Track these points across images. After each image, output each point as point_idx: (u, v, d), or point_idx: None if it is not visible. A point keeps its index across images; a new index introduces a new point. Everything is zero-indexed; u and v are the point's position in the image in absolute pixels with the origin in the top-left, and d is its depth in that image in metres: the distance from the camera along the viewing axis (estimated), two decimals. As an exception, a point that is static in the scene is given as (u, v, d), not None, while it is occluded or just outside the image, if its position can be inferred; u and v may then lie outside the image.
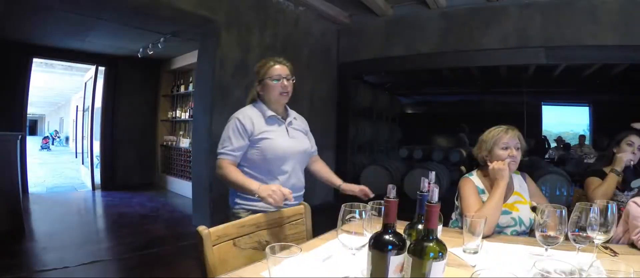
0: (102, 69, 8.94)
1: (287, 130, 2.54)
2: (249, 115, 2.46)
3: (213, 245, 1.76)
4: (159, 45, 7.34)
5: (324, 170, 2.83)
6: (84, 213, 7.29)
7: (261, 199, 2.13)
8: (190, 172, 7.82)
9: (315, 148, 2.80)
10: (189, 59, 8.45)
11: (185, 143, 8.80)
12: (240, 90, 5.40)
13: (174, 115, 9.49)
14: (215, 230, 1.79)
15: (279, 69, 2.51)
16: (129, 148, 9.36)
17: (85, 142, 9.94)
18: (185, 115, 9.02)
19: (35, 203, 7.39)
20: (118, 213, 6.82)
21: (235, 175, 2.34)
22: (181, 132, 9.31)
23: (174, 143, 9.24)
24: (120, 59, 8.86)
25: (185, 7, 4.79)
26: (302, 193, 2.65)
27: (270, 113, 2.49)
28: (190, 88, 8.76)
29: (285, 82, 2.51)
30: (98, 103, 9.12)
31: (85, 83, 9.90)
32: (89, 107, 9.42)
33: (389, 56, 6.74)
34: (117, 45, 8.01)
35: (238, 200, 2.47)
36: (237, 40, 5.35)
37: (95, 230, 6.16)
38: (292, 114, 2.68)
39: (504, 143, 2.46)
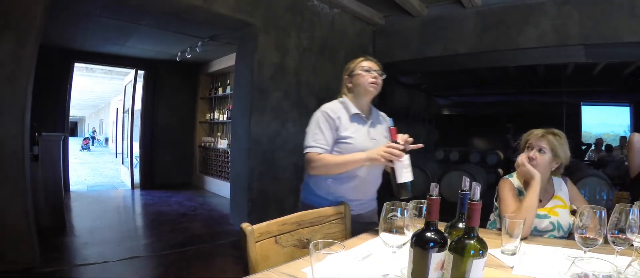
0: (141, 72, 9.19)
1: (369, 132, 2.53)
2: (335, 109, 2.49)
3: (256, 242, 1.79)
4: (197, 49, 7.48)
5: None
6: (124, 210, 7.49)
7: (377, 160, 2.21)
8: (228, 172, 7.94)
9: None
10: (227, 61, 8.58)
11: (222, 144, 8.95)
12: (279, 92, 5.47)
13: (212, 117, 9.67)
14: (258, 227, 1.82)
15: (370, 63, 2.56)
16: (168, 149, 9.58)
17: (125, 142, 10.21)
18: (223, 117, 9.19)
19: (76, 200, 7.66)
20: (157, 212, 6.98)
21: (334, 158, 2.37)
22: (219, 134, 9.45)
23: (212, 144, 9.41)
24: (159, 63, 9.09)
25: (222, 11, 4.86)
26: (374, 197, 2.67)
27: (354, 110, 2.49)
28: (228, 90, 8.91)
29: (376, 74, 2.53)
30: (137, 105, 9.37)
31: (125, 86, 10.17)
32: (128, 109, 9.68)
33: (425, 57, 6.66)
34: (156, 50, 8.21)
35: (311, 197, 2.52)
36: (274, 42, 5.41)
37: (134, 227, 6.33)
38: (377, 113, 2.69)
39: (529, 144, 2.48)
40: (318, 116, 2.48)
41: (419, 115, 10.75)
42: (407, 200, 1.78)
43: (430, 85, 11.13)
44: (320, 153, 2.37)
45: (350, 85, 2.58)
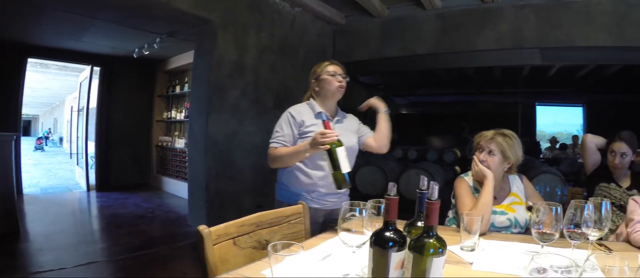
0: (97, 69, 8.91)
1: (334, 128, 2.61)
2: (299, 110, 2.71)
3: (213, 245, 1.75)
4: (155, 45, 7.33)
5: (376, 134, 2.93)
6: (79, 214, 7.26)
7: (316, 146, 2.34)
8: (186, 173, 7.82)
9: (369, 134, 2.95)
10: (185, 59, 8.44)
11: (180, 143, 8.80)
12: (237, 91, 5.41)
13: (169, 116, 9.46)
14: (216, 230, 1.78)
15: (335, 67, 2.76)
16: (124, 149, 9.35)
17: (79, 142, 9.89)
18: (180, 116, 9.00)
19: (30, 204, 7.37)
20: (113, 214, 6.80)
21: (285, 149, 2.60)
22: (176, 133, 9.29)
23: (169, 143, 9.24)
24: (115, 59, 8.84)
25: (181, 7, 4.76)
26: (347, 192, 2.79)
27: (319, 109, 2.70)
28: (186, 88, 8.75)
29: (340, 78, 2.73)
30: (93, 103, 9.08)
31: (80, 83, 9.87)
32: (83, 107, 9.39)
33: (384, 57, 6.75)
34: (113, 46, 7.99)
35: (284, 193, 2.72)
36: (233, 40, 5.35)
37: (90, 231, 6.13)
38: (342, 114, 2.89)
39: (479, 146, 2.58)
40: (282, 115, 2.71)
41: (377, 114, 10.81)
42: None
43: (388, 85, 11.25)
44: (276, 148, 2.62)
45: (317, 88, 2.78)
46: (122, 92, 9.29)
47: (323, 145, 2.30)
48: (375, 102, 2.87)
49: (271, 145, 2.65)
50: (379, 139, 2.89)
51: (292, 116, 2.66)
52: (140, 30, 6.79)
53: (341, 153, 2.32)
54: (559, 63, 7.68)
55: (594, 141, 3.32)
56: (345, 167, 2.32)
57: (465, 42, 6.15)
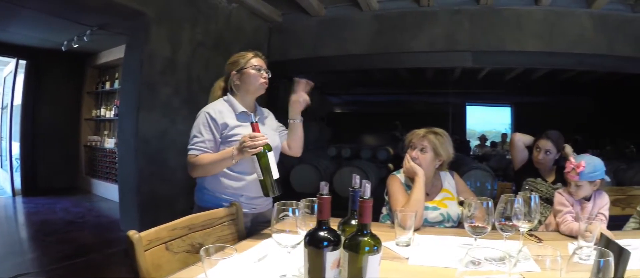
0: (22, 62, 8.41)
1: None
2: (219, 110, 2.43)
3: (145, 250, 1.68)
4: (85, 38, 6.98)
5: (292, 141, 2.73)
6: (5, 222, 6.83)
7: (244, 151, 2.14)
8: (116, 174, 7.55)
9: (285, 136, 2.76)
10: (116, 53, 8.09)
11: (110, 143, 8.49)
12: (169, 88, 5.29)
13: (98, 114, 9.08)
14: (147, 234, 1.72)
15: (260, 61, 2.53)
16: (51, 150, 8.87)
17: (3, 143, 9.38)
18: (110, 114, 8.67)
19: (-50, 212, 6.92)
20: (42, 221, 6.49)
21: (208, 157, 2.33)
22: (106, 132, 8.92)
23: (99, 143, 8.89)
24: (42, 52, 8.35)
25: (114, -2, 4.61)
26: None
27: (241, 109, 2.45)
28: (116, 85, 8.43)
29: (265, 74, 2.52)
30: (18, 100, 8.59)
31: (5, 78, 9.32)
32: (7, 104, 8.88)
33: (319, 56, 6.84)
34: (40, 37, 7.56)
35: (208, 198, 2.45)
36: (167, 35, 5.21)
37: (18, 240, 5.79)
38: (261, 110, 2.67)
39: (411, 143, 2.65)
40: (200, 117, 2.43)
41: (312, 113, 10.88)
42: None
43: (323, 84, 11.32)
44: (197, 155, 2.36)
45: (238, 82, 2.52)
46: (49, 88, 8.82)
47: (253, 148, 2.13)
48: (296, 109, 2.59)
49: (190, 152, 2.38)
50: (294, 145, 2.72)
51: (212, 118, 2.38)
52: (69, 21, 6.42)
53: (271, 158, 2.19)
54: (489, 66, 8.02)
55: (522, 139, 3.53)
56: (275, 173, 2.20)
57: (400, 44, 6.34)
